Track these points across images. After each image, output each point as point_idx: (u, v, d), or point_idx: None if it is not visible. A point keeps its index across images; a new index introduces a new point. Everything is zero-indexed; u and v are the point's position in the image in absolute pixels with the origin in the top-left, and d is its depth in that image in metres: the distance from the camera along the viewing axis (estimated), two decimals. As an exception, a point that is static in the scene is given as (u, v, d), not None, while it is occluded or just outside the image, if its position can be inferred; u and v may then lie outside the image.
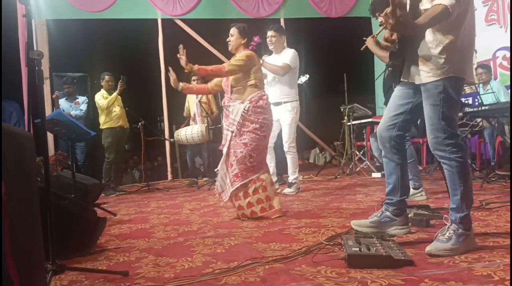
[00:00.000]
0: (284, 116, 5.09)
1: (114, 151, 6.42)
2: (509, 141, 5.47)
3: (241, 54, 3.65)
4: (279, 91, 5.12)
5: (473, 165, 5.71)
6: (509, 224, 2.65)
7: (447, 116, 2.23)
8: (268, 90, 5.20)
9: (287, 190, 5.09)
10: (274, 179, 5.14)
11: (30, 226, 1.30)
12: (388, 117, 2.54)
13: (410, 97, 2.46)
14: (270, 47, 5.18)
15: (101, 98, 6.43)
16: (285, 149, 5.12)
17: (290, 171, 5.13)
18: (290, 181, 5.13)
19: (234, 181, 3.56)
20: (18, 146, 1.26)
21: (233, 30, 3.77)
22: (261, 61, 5.07)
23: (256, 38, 3.89)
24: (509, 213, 3.00)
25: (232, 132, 3.58)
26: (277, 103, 5.10)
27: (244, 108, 3.55)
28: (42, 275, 1.55)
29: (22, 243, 1.19)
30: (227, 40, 3.80)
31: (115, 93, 6.39)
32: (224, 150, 3.68)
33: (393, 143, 2.51)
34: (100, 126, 6.44)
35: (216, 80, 3.91)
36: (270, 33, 5.12)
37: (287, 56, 5.08)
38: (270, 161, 5.19)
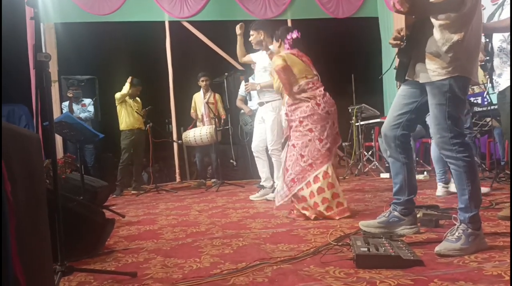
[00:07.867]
0: (266, 117, 4.89)
1: (129, 152, 6.74)
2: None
3: None
4: (261, 91, 4.93)
5: (482, 164, 5.66)
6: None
7: (453, 115, 2.21)
8: (253, 92, 5.13)
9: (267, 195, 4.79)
10: (270, 184, 4.96)
11: (37, 227, 1.31)
12: (393, 116, 2.53)
13: (415, 97, 2.44)
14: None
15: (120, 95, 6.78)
16: (269, 151, 4.87)
17: (275, 176, 4.79)
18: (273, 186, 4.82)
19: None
20: (24, 147, 1.27)
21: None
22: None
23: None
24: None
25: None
26: (261, 104, 4.98)
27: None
28: (50, 276, 1.56)
29: (29, 244, 1.19)
30: None
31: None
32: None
33: (398, 142, 2.51)
34: (120, 128, 6.79)
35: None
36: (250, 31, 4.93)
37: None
38: (263, 166, 5.04)
